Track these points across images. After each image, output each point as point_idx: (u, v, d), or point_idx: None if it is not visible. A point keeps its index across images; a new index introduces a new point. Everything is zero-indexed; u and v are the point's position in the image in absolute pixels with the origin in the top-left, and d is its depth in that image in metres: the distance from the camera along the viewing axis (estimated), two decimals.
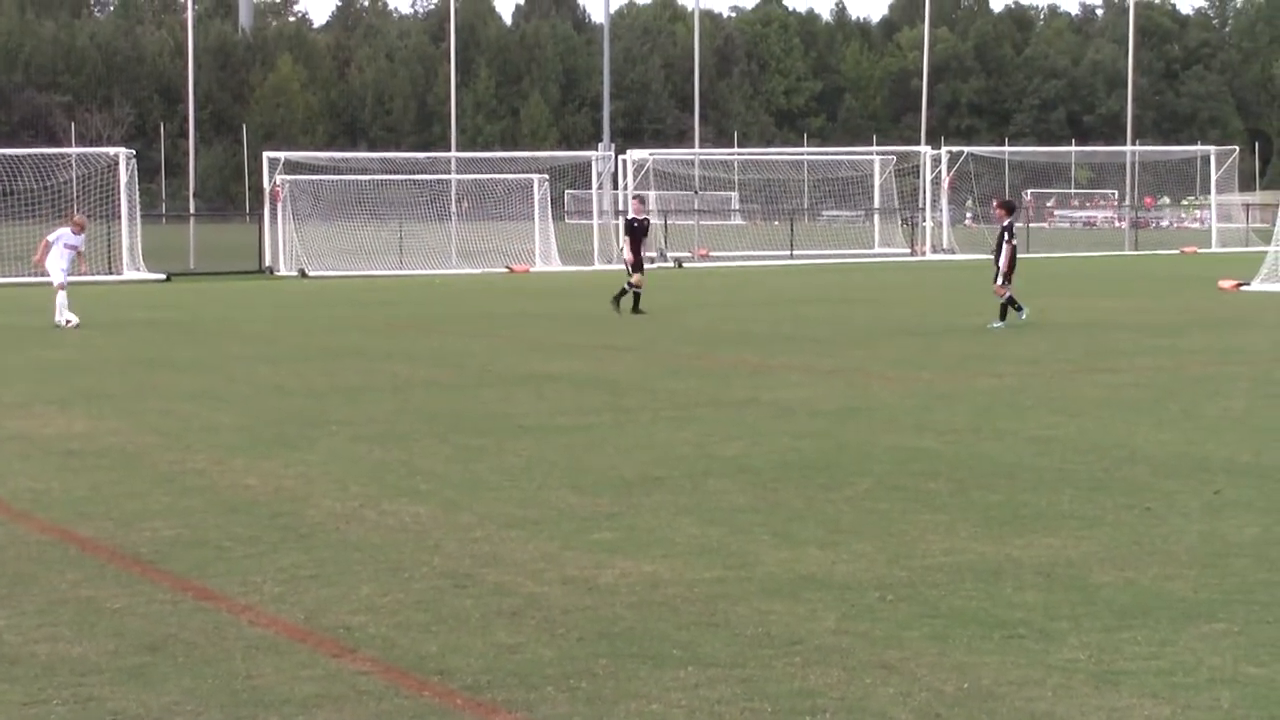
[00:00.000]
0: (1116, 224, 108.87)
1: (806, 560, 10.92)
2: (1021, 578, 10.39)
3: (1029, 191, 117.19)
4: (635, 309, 34.40)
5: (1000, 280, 30.62)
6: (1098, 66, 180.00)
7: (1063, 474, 14.20)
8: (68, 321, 31.64)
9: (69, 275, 32.48)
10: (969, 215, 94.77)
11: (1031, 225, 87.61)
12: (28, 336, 29.36)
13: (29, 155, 63.22)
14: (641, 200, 38.73)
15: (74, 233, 33.02)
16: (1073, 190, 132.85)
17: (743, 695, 8.05)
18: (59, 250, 32.63)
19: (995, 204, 33.26)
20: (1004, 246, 30.61)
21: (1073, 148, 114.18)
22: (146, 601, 9.94)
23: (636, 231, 35.61)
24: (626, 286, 34.83)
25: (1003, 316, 30.49)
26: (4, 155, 64.95)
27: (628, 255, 35.58)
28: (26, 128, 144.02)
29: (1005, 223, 31.03)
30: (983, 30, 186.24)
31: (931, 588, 10.14)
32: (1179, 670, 8.40)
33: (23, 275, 48.82)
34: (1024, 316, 30.53)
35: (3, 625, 9.40)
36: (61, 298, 32.03)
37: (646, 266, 36.28)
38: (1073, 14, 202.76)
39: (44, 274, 34.07)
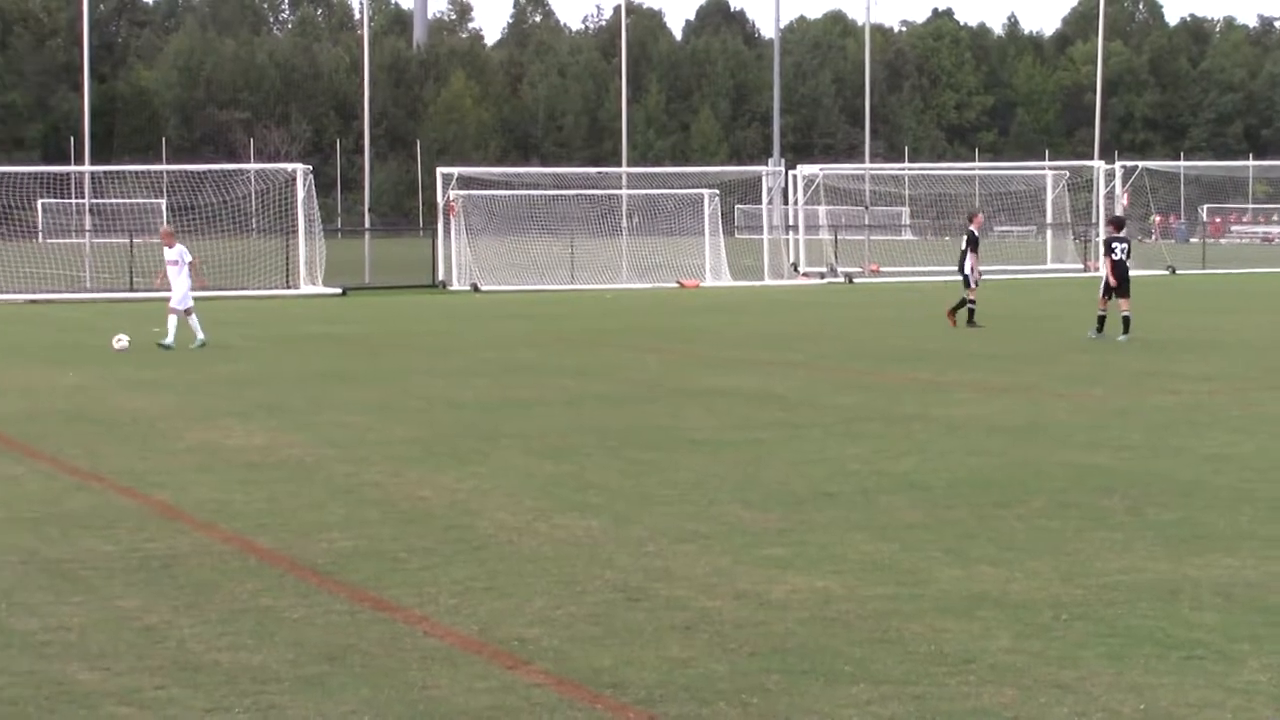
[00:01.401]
0: None
1: (980, 578, 10.85)
2: (1200, 598, 10.25)
3: (1205, 206, 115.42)
4: (971, 322, 34.50)
5: (1101, 293, 31.03)
6: (1276, 80, 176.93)
7: (1241, 492, 14.00)
8: (165, 345, 29.68)
9: (187, 294, 30.49)
10: (1152, 232, 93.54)
11: (1207, 241, 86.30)
12: (208, 350, 29.86)
13: (210, 171, 64.47)
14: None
15: (168, 247, 30.82)
16: (1250, 205, 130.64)
17: (915, 713, 8.03)
18: (169, 270, 30.75)
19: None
20: (1103, 261, 31.23)
21: (1250, 162, 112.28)
22: (324, 611, 10.09)
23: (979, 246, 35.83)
24: (970, 301, 34.85)
25: (1122, 327, 30.66)
26: (186, 171, 66.32)
27: (972, 269, 35.31)
28: (207, 143, 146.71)
29: (1104, 237, 31.39)
30: (1158, 43, 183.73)
31: (1107, 607, 10.04)
32: None
33: (203, 290, 49.60)
34: (1090, 335, 30.82)
35: (186, 633, 9.59)
36: (182, 320, 30.30)
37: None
38: (1250, 26, 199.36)
39: (202, 289, 33.83)
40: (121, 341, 29.76)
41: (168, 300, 30.89)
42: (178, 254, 30.59)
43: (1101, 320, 30.74)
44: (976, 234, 36.11)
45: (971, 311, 34.66)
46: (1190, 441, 17.14)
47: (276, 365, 27.42)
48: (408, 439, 17.85)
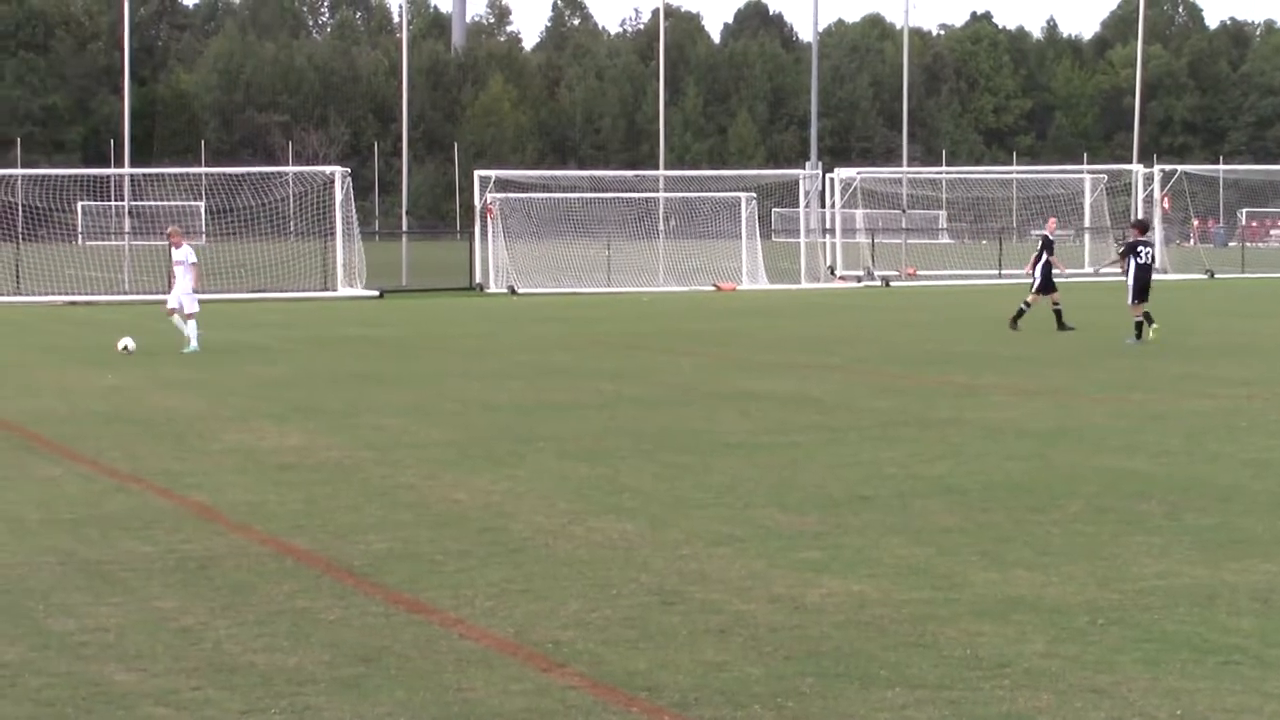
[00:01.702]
0: None
1: (1015, 582, 10.83)
2: (1237, 603, 10.21)
3: (1244, 210, 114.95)
4: (1014, 324, 34.27)
5: (1131, 299, 30.76)
6: None
7: None
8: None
9: (191, 297, 29.75)
10: (1191, 236, 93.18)
11: (1246, 245, 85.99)
12: (245, 351, 29.95)
13: (248, 173, 64.71)
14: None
15: (175, 247, 30.36)
16: None
17: (950, 717, 8.02)
18: (175, 271, 30.20)
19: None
20: (1119, 264, 31.51)
21: None
22: (360, 613, 10.12)
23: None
24: (1058, 306, 34.54)
25: (1138, 334, 30.47)
26: (225, 174, 66.59)
27: (1052, 270, 35.03)
28: (246, 146, 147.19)
29: (1129, 241, 31.36)
30: (1197, 47, 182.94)
31: (1144, 611, 10.01)
32: None
33: (241, 291, 49.85)
34: (1129, 341, 30.29)
35: (223, 634, 9.63)
36: (183, 323, 29.73)
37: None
38: None
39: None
40: (126, 345, 29.20)
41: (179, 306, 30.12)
42: (183, 255, 30.12)
43: (1139, 326, 30.55)
44: (1051, 237, 35.85)
45: (1020, 313, 34.45)
46: (1228, 446, 17.06)
47: (313, 367, 27.49)
48: (443, 441, 17.88)
